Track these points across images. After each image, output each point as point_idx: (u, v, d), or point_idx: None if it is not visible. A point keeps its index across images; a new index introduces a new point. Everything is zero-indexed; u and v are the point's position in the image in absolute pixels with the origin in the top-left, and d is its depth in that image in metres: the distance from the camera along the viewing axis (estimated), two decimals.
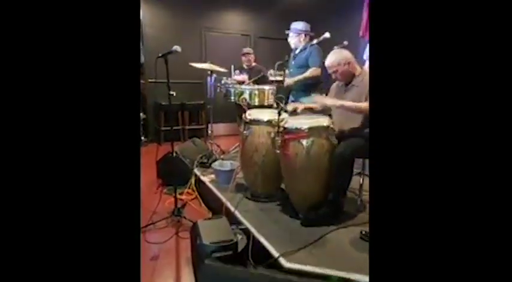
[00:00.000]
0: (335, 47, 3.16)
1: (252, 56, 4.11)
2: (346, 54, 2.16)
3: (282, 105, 2.30)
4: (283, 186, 2.50)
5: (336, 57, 2.15)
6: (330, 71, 2.19)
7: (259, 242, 1.83)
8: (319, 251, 1.75)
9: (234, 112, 3.95)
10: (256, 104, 2.99)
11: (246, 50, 4.13)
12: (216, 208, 2.48)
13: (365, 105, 2.00)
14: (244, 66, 4.12)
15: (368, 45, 3.94)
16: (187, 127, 5.29)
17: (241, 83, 3.52)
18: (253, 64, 4.11)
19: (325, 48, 3.09)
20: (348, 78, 2.17)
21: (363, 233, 1.89)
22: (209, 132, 3.57)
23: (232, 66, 3.71)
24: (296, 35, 3.09)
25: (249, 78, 3.75)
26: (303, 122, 2.05)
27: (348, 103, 2.06)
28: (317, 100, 2.25)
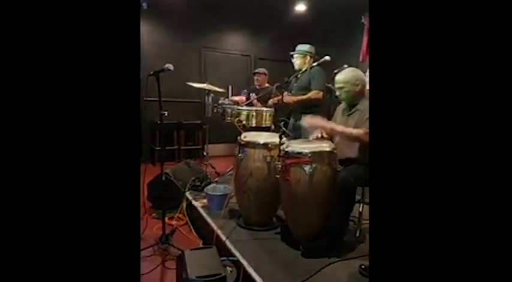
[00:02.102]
0: (335, 70, 3.13)
1: (263, 76, 4.02)
2: (360, 74, 2.08)
3: (283, 128, 2.20)
4: (279, 213, 2.37)
5: (347, 74, 2.07)
6: (336, 86, 2.10)
7: (250, 276, 1.69)
8: None
9: (233, 132, 3.87)
10: (254, 125, 2.90)
11: (258, 70, 4.06)
12: (206, 236, 2.34)
13: (356, 131, 1.92)
14: (256, 86, 4.04)
15: (367, 72, 3.92)
16: (183, 147, 5.18)
17: (238, 103, 3.44)
18: (266, 85, 4.00)
19: (325, 71, 3.07)
20: (351, 100, 2.08)
21: (362, 267, 1.75)
22: (205, 153, 3.46)
23: (230, 87, 3.65)
24: (301, 56, 3.06)
25: (258, 99, 3.70)
26: (305, 147, 1.96)
27: (339, 127, 2.00)
28: (310, 121, 2.14)
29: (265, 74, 4.03)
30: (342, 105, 2.24)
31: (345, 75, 2.07)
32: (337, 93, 2.12)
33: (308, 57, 3.05)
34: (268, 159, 2.13)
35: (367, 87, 2.93)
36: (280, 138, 2.01)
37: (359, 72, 2.11)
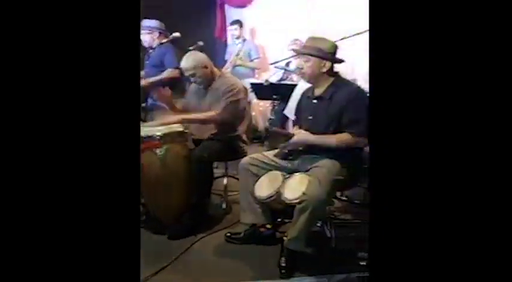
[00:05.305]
0: (189, 48, 3.07)
1: None
2: (202, 56, 2.08)
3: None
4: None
5: (192, 59, 2.04)
6: (187, 74, 2.08)
7: None
8: (183, 266, 1.64)
9: None
10: None
11: None
12: None
13: (211, 114, 1.98)
14: None
15: (228, 47, 3.98)
16: None
17: None
18: None
19: (179, 48, 2.97)
20: (207, 82, 2.11)
21: (228, 234, 1.87)
22: None
23: None
24: (148, 33, 2.86)
25: None
26: (155, 129, 1.89)
27: (197, 116, 2.05)
28: (169, 120, 2.04)
29: None
30: (194, 86, 2.25)
31: (189, 62, 2.03)
32: (192, 80, 2.11)
33: (157, 34, 2.89)
34: None
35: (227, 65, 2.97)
36: None
37: (198, 54, 2.11)
